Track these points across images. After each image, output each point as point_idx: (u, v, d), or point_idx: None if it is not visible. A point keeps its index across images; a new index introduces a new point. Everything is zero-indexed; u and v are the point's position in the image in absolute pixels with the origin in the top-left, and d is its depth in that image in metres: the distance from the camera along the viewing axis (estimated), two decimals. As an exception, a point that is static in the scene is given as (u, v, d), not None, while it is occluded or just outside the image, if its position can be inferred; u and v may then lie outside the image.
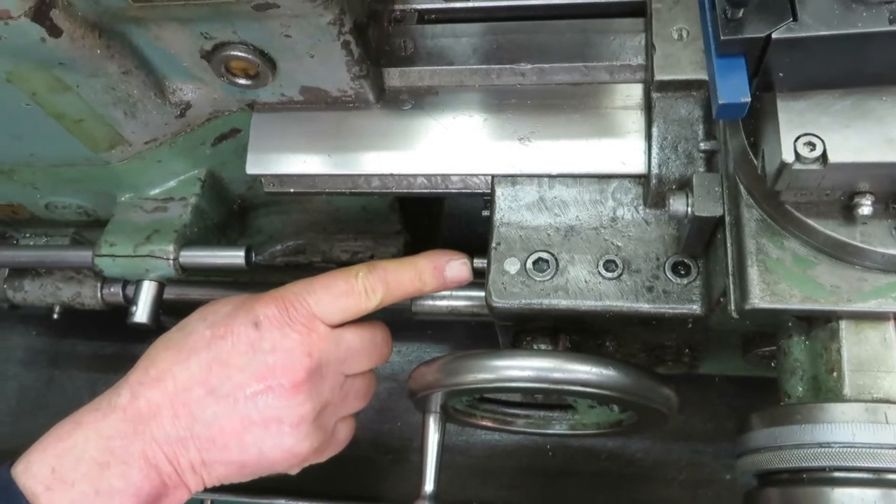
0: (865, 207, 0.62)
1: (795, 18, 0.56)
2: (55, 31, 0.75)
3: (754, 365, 0.91)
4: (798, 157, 0.59)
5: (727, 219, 0.72)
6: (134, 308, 1.00)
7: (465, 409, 1.00)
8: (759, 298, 0.66)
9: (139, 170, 1.00)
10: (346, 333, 0.83)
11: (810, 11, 0.56)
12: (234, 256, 0.98)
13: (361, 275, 0.83)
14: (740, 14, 0.56)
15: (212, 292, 1.19)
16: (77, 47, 0.78)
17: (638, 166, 0.86)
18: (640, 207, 0.86)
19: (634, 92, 0.89)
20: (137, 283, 1.01)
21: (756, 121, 0.66)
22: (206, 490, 0.81)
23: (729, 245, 0.71)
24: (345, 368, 0.84)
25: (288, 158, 0.95)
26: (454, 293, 1.13)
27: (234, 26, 0.81)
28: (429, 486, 0.91)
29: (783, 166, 0.59)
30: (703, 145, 0.80)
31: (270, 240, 1.24)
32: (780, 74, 0.59)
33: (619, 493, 1.20)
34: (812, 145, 0.59)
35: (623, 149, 0.87)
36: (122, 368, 1.38)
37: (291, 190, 0.98)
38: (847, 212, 0.64)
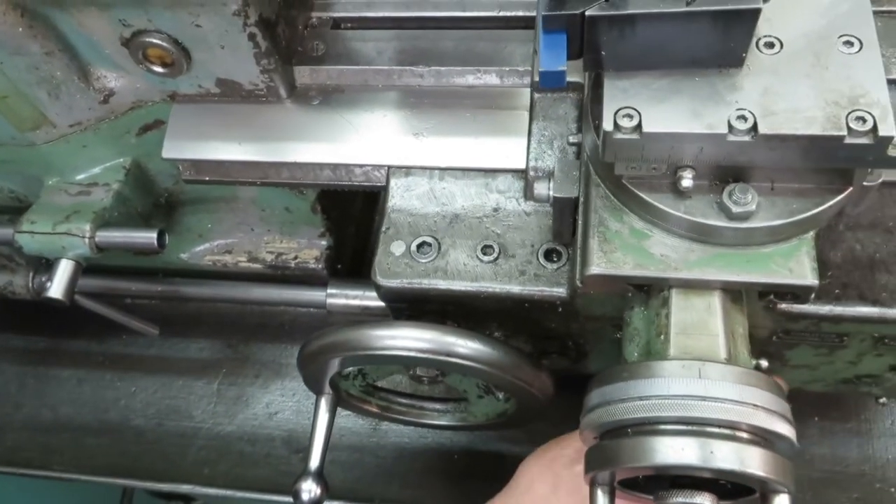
0: (686, 180, 0.68)
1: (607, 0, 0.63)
2: (-25, 5, 0.82)
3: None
4: (617, 126, 0.65)
5: (581, 199, 0.78)
6: (49, 283, 1.04)
7: (359, 394, 1.03)
8: (596, 265, 0.71)
9: (65, 154, 1.06)
10: None
11: (623, -6, 0.63)
12: (146, 237, 1.03)
13: None
14: (562, -6, 0.63)
15: (133, 285, 1.23)
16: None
17: (520, 161, 0.92)
18: (521, 200, 0.92)
19: (521, 95, 0.96)
20: (55, 261, 1.06)
21: (599, 106, 0.72)
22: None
23: (579, 222, 0.76)
24: None
25: (203, 145, 1.01)
26: (366, 293, 1.18)
27: (149, 14, 0.88)
28: (314, 462, 0.95)
29: (605, 135, 0.65)
30: (571, 138, 0.86)
31: (199, 238, 1.29)
32: (603, 53, 0.66)
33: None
34: (630, 116, 0.65)
35: (508, 146, 0.94)
36: (53, 363, 1.42)
37: (207, 178, 1.04)
38: (674, 187, 0.70)
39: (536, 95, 0.91)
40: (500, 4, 1.01)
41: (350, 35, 1.02)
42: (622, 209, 0.73)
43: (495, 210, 0.92)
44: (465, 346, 0.82)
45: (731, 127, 0.63)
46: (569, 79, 0.88)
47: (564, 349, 1.00)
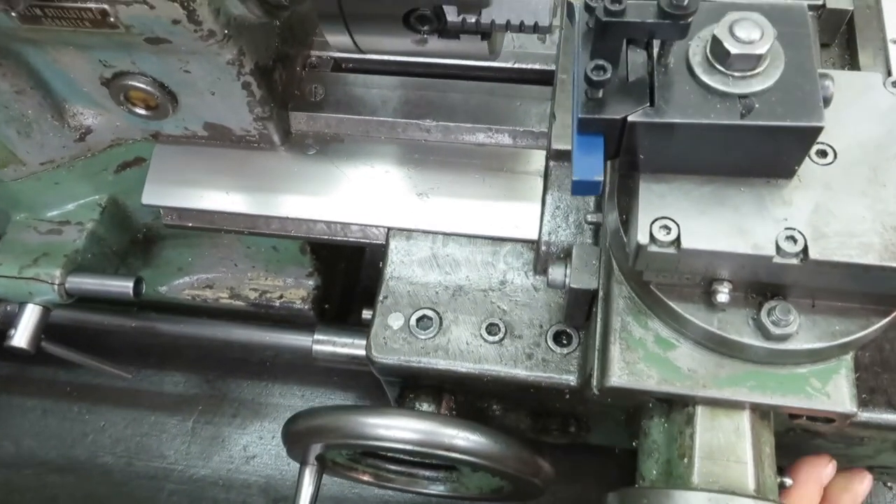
0: (722, 295, 0.62)
1: (652, 104, 0.56)
2: (-63, 46, 0.73)
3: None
4: (653, 239, 0.59)
5: (600, 293, 0.72)
6: (13, 331, 0.97)
7: (345, 462, 0.97)
8: (618, 377, 0.65)
9: (35, 190, 0.98)
10: None
11: (668, 98, 0.56)
12: (122, 286, 0.95)
13: None
14: (600, 94, 0.56)
15: (105, 318, 1.15)
16: (-37, 63, 0.76)
17: (531, 232, 0.86)
18: (530, 273, 0.86)
19: (535, 158, 0.90)
20: (21, 306, 0.98)
21: (629, 199, 0.66)
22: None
23: (598, 320, 0.71)
24: None
25: (187, 192, 0.94)
26: (355, 341, 1.11)
27: (133, 57, 0.80)
28: (297, 540, 0.88)
29: (639, 247, 0.59)
30: (590, 217, 0.80)
31: (178, 272, 1.21)
32: (642, 156, 0.60)
33: (510, 559, 1.17)
34: (667, 229, 0.59)
35: (518, 213, 0.87)
36: (16, 391, 1.34)
37: (190, 224, 0.97)
38: (707, 297, 0.64)
39: (552, 163, 0.85)
40: (515, 56, 0.94)
41: (352, 79, 0.95)
42: (647, 313, 0.68)
43: (502, 283, 0.86)
44: (465, 439, 0.76)
45: (778, 248, 0.58)
46: (588, 148, 0.84)
47: (566, 426, 0.94)
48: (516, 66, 0.94)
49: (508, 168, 0.90)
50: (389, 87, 0.94)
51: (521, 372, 0.81)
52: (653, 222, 0.59)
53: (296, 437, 0.83)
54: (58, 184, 0.97)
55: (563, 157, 0.84)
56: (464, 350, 0.82)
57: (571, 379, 0.80)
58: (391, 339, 0.83)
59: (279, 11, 0.78)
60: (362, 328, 1.05)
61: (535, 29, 0.65)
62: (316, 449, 0.86)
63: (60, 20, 0.71)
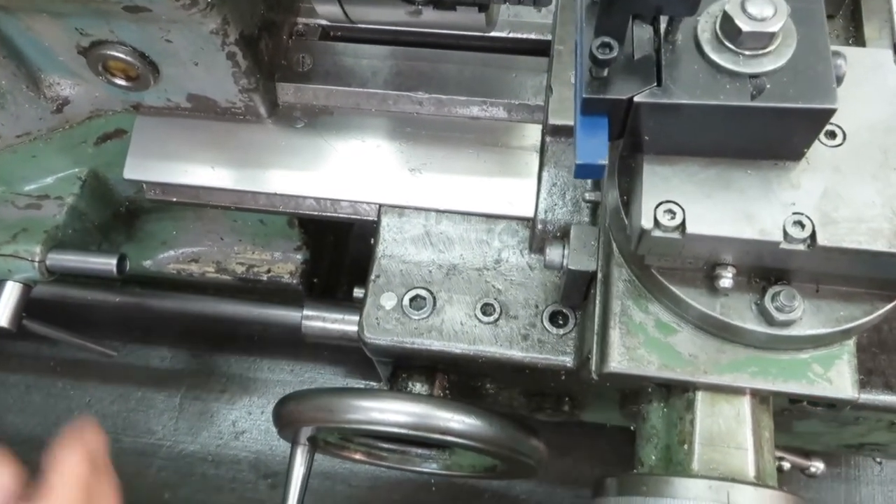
0: (726, 280, 0.60)
1: (660, 84, 0.54)
2: None
3: (632, 419, 0.89)
4: (657, 224, 0.57)
5: (599, 275, 0.70)
6: (-7, 310, 0.94)
7: (337, 441, 0.96)
8: (617, 362, 0.64)
9: (11, 164, 0.94)
10: None
11: (675, 78, 0.54)
12: (105, 263, 0.92)
13: None
14: (605, 73, 0.54)
15: (89, 293, 1.12)
16: (-69, 31, 0.72)
17: (526, 209, 0.84)
18: (525, 252, 0.84)
19: (531, 132, 0.87)
20: (0, 284, 0.95)
21: (630, 180, 0.64)
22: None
23: (597, 303, 0.69)
24: None
25: (171, 167, 0.90)
26: (345, 317, 1.09)
27: (111, 25, 0.76)
28: (288, 520, 0.88)
29: (642, 232, 0.57)
30: (588, 195, 0.78)
31: (162, 245, 1.18)
32: (646, 138, 0.57)
33: (501, 532, 1.17)
34: (672, 213, 0.57)
35: (513, 189, 0.85)
36: (-1, 366, 1.31)
37: (174, 199, 0.94)
38: (710, 282, 0.62)
39: (548, 138, 0.82)
40: (510, 24, 0.90)
41: (341, 49, 0.91)
42: (647, 297, 0.66)
43: (497, 262, 0.84)
44: (460, 422, 0.75)
45: (786, 234, 0.56)
46: (586, 123, 0.81)
47: (560, 404, 0.93)
48: (511, 35, 0.91)
49: (503, 143, 0.87)
50: (380, 57, 0.90)
51: (516, 353, 0.79)
52: (657, 206, 0.57)
53: (287, 420, 0.82)
54: (35, 157, 0.94)
55: (560, 132, 0.82)
56: (458, 331, 0.80)
57: (568, 360, 0.78)
58: (384, 319, 0.81)
59: (265, -22, 0.74)
60: (352, 304, 1.03)
61: (535, 2, 0.62)
62: (308, 430, 0.85)
63: (33, -14, 0.68)
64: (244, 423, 1.25)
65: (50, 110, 0.89)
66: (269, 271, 1.19)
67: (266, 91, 0.87)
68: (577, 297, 0.78)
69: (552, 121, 0.81)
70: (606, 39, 0.52)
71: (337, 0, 0.66)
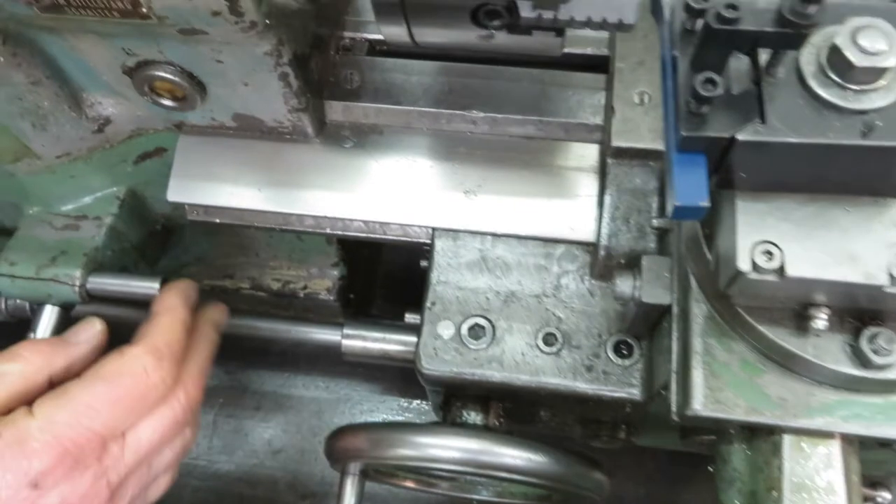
0: (820, 321, 0.57)
1: (763, 120, 0.51)
2: (-53, 38, 0.66)
3: (694, 447, 0.86)
4: (755, 266, 0.54)
5: (675, 309, 0.67)
6: (31, 335, 0.91)
7: (388, 470, 0.93)
8: (702, 405, 0.61)
9: (50, 184, 0.91)
10: (142, 432, 0.71)
11: (780, 114, 0.51)
12: (147, 287, 0.89)
13: (148, 365, 0.71)
14: (705, 109, 0.51)
15: (121, 310, 1.09)
16: (-25, 55, 0.69)
17: (587, 233, 0.81)
18: (586, 278, 0.81)
19: (589, 153, 0.84)
20: (39, 307, 0.92)
21: (712, 211, 0.61)
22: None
23: (674, 339, 0.66)
24: (152, 470, 0.75)
25: (215, 188, 0.88)
26: (386, 336, 1.06)
27: (160, 45, 0.73)
28: (338, 554, 0.85)
29: (738, 275, 0.54)
30: (655, 222, 0.75)
31: (196, 261, 1.16)
32: (742, 175, 0.54)
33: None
34: (770, 254, 0.54)
35: (573, 213, 0.82)
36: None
37: (217, 220, 0.91)
38: (801, 321, 0.59)
39: (611, 160, 0.79)
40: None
41: (390, 64, 0.88)
42: (730, 335, 0.63)
43: (556, 288, 0.81)
44: (526, 461, 0.73)
45: (892, 277, 0.53)
46: (650, 146, 0.78)
47: (615, 432, 0.91)
48: (567, 50, 0.88)
49: (560, 163, 0.84)
50: (430, 73, 0.87)
51: (581, 385, 0.77)
52: (754, 247, 0.54)
53: (342, 454, 0.79)
54: (73, 177, 0.91)
55: (623, 154, 0.79)
56: (519, 362, 0.78)
57: (635, 392, 0.76)
58: (442, 349, 0.79)
59: (321, -3, 0.71)
60: (392, 322, 1.00)
61: (619, 27, 0.59)
62: (360, 462, 0.82)
63: (85, 10, 0.65)
64: (280, 441, 1.22)
65: (91, 130, 0.86)
66: (305, 287, 1.16)
67: (315, 110, 0.84)
68: (644, 328, 0.75)
69: (616, 142, 0.78)
70: (710, 75, 0.49)
71: (404, 23, 0.63)
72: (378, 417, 1.24)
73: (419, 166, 0.86)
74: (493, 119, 0.84)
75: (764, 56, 0.52)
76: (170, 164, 0.90)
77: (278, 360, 1.27)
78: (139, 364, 0.71)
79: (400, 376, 1.23)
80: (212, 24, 0.65)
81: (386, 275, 1.32)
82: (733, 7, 0.48)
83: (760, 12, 0.48)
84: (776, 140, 0.50)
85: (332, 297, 1.16)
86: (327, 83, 0.86)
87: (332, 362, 1.27)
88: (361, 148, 0.87)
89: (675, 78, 0.53)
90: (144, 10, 0.63)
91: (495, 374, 0.77)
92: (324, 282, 1.17)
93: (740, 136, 0.50)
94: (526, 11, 0.59)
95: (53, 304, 0.92)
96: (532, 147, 0.85)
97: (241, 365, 1.27)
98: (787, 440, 0.62)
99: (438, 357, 0.78)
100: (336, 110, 0.87)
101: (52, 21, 0.69)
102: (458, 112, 0.85)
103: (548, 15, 0.59)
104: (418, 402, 1.23)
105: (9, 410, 0.66)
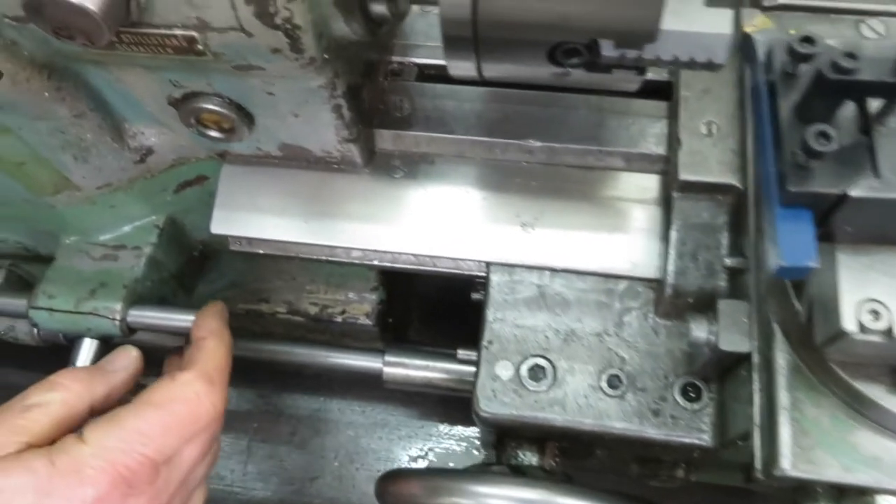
0: (922, 380, 0.54)
1: (877, 174, 0.47)
2: (-7, 74, 0.63)
3: (760, 487, 0.83)
4: (862, 328, 0.50)
5: (756, 358, 0.64)
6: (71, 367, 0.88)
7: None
8: (791, 465, 0.58)
9: (89, 214, 0.88)
10: (186, 454, 0.70)
11: (893, 167, 0.48)
12: (187, 321, 0.87)
13: (200, 391, 0.71)
14: (814, 163, 0.47)
15: (155, 336, 1.07)
16: (20, 91, 0.67)
17: (650, 269, 0.78)
18: (650, 315, 0.78)
19: (651, 184, 0.81)
20: (77, 339, 0.89)
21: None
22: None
23: (757, 390, 0.63)
24: (188, 487, 0.73)
25: (259, 220, 0.85)
26: (429, 364, 1.03)
27: (209, 78, 0.70)
28: None
29: (840, 334, 0.51)
30: (728, 261, 0.72)
31: (232, 286, 1.13)
32: (848, 229, 0.51)
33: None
34: (876, 314, 0.51)
35: (635, 247, 0.79)
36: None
37: (261, 251, 0.88)
38: (894, 377, 0.56)
39: (676, 194, 0.76)
40: (625, 65, 0.83)
41: (441, 91, 0.84)
42: (820, 389, 0.60)
43: (618, 326, 0.78)
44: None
45: None
46: (719, 180, 0.75)
47: (675, 470, 0.87)
48: (626, 76, 0.84)
49: (621, 195, 0.81)
50: (483, 100, 0.84)
51: (649, 430, 0.73)
52: (859, 305, 0.51)
53: (394, 499, 0.76)
54: (113, 206, 0.88)
55: (690, 188, 0.75)
56: (582, 405, 0.75)
57: (706, 438, 0.72)
58: (501, 391, 0.76)
59: (380, 28, 0.68)
60: (434, 349, 0.97)
61: (708, 67, 0.55)
62: (412, 505, 0.79)
63: (138, 46, 0.61)
64: (316, 468, 1.20)
65: (133, 161, 0.83)
66: (343, 312, 1.13)
67: (364, 139, 0.81)
68: (715, 372, 0.72)
69: (683, 175, 0.74)
70: (824, 128, 0.45)
71: (474, 58, 0.60)
72: (417, 443, 1.21)
73: (472, 197, 0.82)
74: (551, 149, 0.81)
75: (875, 104, 0.49)
76: (210, 191, 0.87)
77: (313, 383, 1.24)
78: (191, 390, 0.71)
79: (440, 401, 1.20)
80: (270, 61, 0.62)
81: (422, 296, 1.29)
82: (852, 56, 0.44)
83: (878, 62, 0.45)
84: (893, 197, 0.47)
85: (370, 322, 1.13)
86: (377, 111, 0.83)
87: (369, 386, 1.25)
88: (412, 178, 0.84)
89: (775, 124, 0.49)
90: (200, 47, 0.60)
91: (557, 418, 0.74)
92: (363, 306, 1.13)
93: (853, 193, 0.47)
94: (608, 51, 0.55)
95: (92, 338, 0.89)
96: (590, 178, 0.82)
97: (275, 389, 1.24)
98: (880, 501, 0.58)
99: (497, 399, 0.75)
100: (386, 139, 0.83)
101: (100, 56, 0.66)
102: (513, 141, 0.81)
103: (631, 54, 0.55)
104: (460, 427, 1.20)
105: (53, 439, 0.65)
